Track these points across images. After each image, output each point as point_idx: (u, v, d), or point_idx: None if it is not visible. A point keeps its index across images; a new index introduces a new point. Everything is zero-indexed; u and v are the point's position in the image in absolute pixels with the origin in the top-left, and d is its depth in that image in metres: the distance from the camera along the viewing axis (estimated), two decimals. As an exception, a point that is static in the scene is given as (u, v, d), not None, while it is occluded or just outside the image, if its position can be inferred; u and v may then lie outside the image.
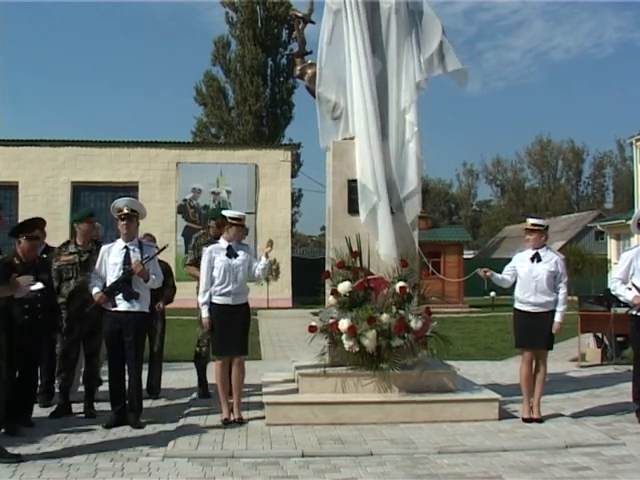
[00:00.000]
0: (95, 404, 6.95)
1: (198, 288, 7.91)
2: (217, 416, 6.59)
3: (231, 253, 6.40)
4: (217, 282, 6.35)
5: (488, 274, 6.67)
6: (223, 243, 6.47)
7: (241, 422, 6.30)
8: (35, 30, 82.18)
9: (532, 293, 6.45)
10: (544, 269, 6.45)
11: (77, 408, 6.89)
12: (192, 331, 12.62)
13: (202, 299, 6.39)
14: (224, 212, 6.72)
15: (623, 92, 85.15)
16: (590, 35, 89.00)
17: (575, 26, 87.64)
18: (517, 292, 6.61)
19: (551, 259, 6.56)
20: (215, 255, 6.40)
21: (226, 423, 6.27)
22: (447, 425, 6.21)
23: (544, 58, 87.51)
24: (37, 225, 6.41)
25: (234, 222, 6.44)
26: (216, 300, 6.35)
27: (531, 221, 6.69)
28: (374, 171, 6.85)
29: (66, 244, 6.99)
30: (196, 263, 7.82)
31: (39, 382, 7.12)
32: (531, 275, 6.46)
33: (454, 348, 6.96)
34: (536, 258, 6.53)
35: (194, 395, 7.67)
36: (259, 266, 6.49)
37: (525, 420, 6.42)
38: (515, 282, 6.71)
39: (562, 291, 6.54)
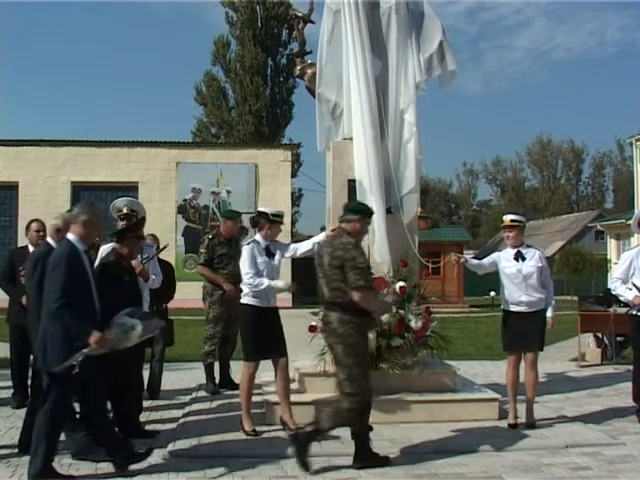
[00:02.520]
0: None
1: (204, 288, 7.96)
2: (217, 415, 6.59)
3: (269, 253, 6.18)
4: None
5: (462, 260, 6.58)
6: (262, 242, 6.16)
7: (297, 435, 5.21)
8: (35, 30, 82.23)
9: (523, 292, 6.30)
10: (532, 266, 6.31)
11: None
12: (192, 331, 12.66)
13: (257, 280, 5.95)
14: (263, 209, 6.38)
15: (623, 92, 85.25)
16: (593, 35, 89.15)
17: (577, 25, 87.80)
18: (506, 294, 6.41)
19: (534, 255, 6.44)
20: (257, 253, 6.08)
21: (256, 434, 5.94)
22: (447, 425, 6.20)
23: (546, 58, 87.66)
24: (142, 224, 6.29)
25: (277, 219, 6.20)
26: (252, 302, 6.02)
27: (510, 217, 6.49)
28: (369, 171, 6.84)
29: None
30: (209, 264, 7.83)
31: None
32: (521, 274, 6.30)
33: (454, 348, 6.96)
34: (520, 257, 6.39)
35: (201, 392, 7.70)
36: (307, 245, 6.29)
37: (511, 426, 6.20)
38: (489, 274, 6.68)
39: (549, 285, 6.50)
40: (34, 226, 7.42)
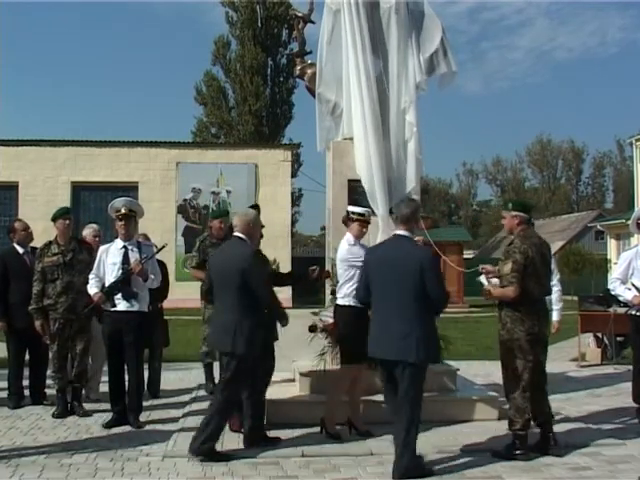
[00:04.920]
0: (95, 404, 6.99)
1: (201, 289, 7.94)
2: (217, 416, 6.58)
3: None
4: (354, 281, 5.78)
5: (490, 275, 5.81)
6: (355, 241, 6.00)
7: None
8: (35, 30, 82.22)
9: None
10: None
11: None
12: (192, 331, 12.64)
13: None
14: (349, 207, 6.27)
15: (624, 92, 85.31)
16: (594, 35, 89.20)
17: (579, 26, 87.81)
18: None
19: None
20: (359, 249, 5.92)
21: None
22: (447, 425, 6.20)
23: (547, 58, 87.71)
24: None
25: (359, 218, 6.04)
26: (352, 302, 5.81)
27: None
28: (372, 172, 6.83)
29: (48, 245, 6.94)
30: (202, 266, 7.81)
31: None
32: None
33: (454, 348, 6.95)
34: None
35: (201, 392, 7.69)
36: None
37: None
38: None
39: (557, 288, 6.41)
40: (20, 226, 7.46)
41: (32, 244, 7.47)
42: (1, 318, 7.19)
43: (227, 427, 6.11)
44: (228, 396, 5.44)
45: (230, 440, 5.78)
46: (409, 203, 5.45)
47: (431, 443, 5.68)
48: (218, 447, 5.61)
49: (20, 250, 7.37)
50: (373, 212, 6.72)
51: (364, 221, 6.06)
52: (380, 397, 6.40)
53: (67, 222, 6.98)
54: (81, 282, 6.60)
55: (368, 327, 5.91)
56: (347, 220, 6.15)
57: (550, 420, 5.55)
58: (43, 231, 7.75)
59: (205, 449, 5.30)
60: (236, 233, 5.63)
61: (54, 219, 6.97)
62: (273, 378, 7.39)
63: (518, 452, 5.38)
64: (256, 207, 6.09)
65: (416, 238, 6.18)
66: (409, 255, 5.08)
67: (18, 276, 7.18)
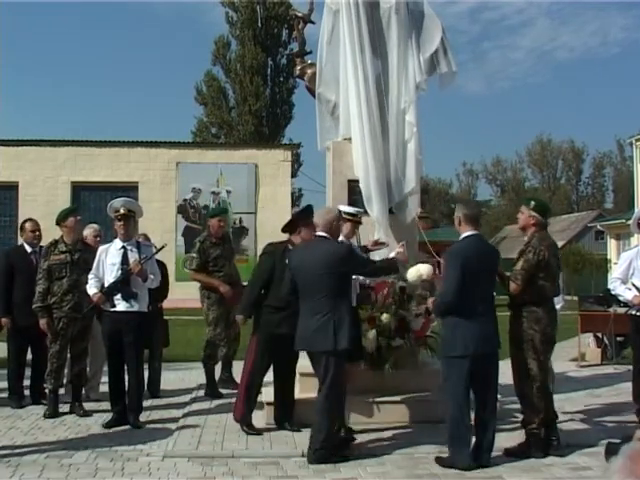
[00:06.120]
0: (95, 404, 6.98)
1: (201, 290, 7.90)
2: (217, 416, 6.58)
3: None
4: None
5: None
6: (346, 241, 5.99)
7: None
8: (35, 30, 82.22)
9: None
10: None
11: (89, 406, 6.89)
12: (192, 331, 12.64)
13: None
14: (340, 207, 6.28)
15: (624, 92, 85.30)
16: (595, 35, 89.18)
17: (580, 26, 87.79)
18: None
19: None
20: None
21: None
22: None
23: (548, 58, 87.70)
24: (312, 211, 6.05)
25: (349, 218, 6.07)
26: None
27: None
28: (370, 172, 6.83)
29: (54, 243, 6.91)
30: (204, 268, 7.73)
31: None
32: None
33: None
34: None
35: (201, 392, 7.69)
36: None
37: None
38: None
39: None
40: (29, 226, 7.42)
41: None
42: (6, 315, 7.16)
43: (226, 427, 6.13)
44: (334, 396, 5.31)
45: (230, 440, 5.79)
46: (473, 203, 5.63)
47: (431, 443, 5.68)
48: (217, 447, 5.63)
49: (28, 249, 7.36)
50: (365, 212, 6.71)
51: (356, 221, 6.11)
52: (379, 398, 6.42)
53: (79, 218, 7.00)
54: (86, 282, 6.60)
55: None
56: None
57: (552, 423, 5.53)
58: (44, 231, 7.73)
59: (322, 455, 5.23)
60: (319, 232, 5.52)
61: (64, 218, 6.91)
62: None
63: (531, 449, 5.40)
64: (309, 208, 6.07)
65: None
66: (493, 250, 5.67)
67: (24, 275, 7.16)
